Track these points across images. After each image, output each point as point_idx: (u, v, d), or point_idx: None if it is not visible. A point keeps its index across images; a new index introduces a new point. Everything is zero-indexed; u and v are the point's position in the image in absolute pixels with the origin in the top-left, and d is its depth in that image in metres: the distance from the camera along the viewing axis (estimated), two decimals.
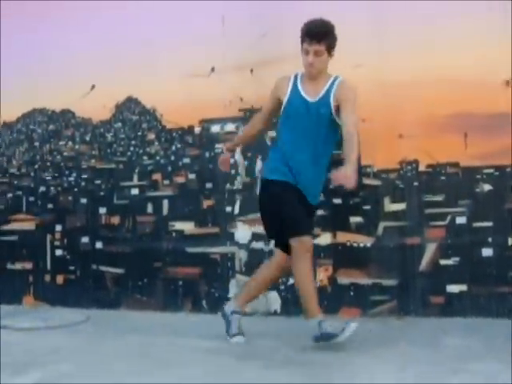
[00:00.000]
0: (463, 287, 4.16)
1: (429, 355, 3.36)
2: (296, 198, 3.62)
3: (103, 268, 4.89)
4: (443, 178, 4.22)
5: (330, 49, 3.62)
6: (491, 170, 4.14)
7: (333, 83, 3.66)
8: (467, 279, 4.15)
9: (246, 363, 3.33)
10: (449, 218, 4.19)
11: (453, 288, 4.17)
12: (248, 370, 3.22)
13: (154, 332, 4.11)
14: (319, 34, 3.56)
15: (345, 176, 3.34)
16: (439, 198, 4.21)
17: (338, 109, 3.60)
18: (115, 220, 4.88)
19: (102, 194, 4.93)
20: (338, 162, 3.56)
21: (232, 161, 4.54)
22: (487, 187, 4.15)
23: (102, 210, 4.92)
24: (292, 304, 4.41)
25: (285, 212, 3.60)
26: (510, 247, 4.10)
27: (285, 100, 3.69)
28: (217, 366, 3.31)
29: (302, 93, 3.67)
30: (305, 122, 3.62)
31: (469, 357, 3.29)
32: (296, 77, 3.73)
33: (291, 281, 4.44)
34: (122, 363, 3.41)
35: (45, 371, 3.26)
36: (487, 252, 4.13)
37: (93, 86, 4.89)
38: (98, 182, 4.93)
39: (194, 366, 3.32)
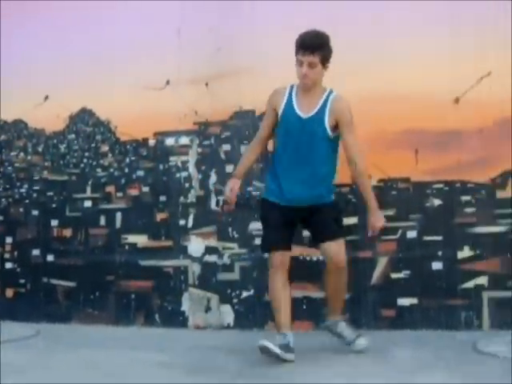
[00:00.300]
0: (414, 300, 4.22)
1: (379, 367, 3.41)
2: (276, 218, 3.65)
3: (54, 281, 4.81)
4: (394, 192, 4.29)
5: (325, 61, 3.59)
6: (441, 186, 4.23)
7: (327, 98, 3.64)
8: (418, 292, 4.22)
9: (197, 377, 3.32)
10: (400, 232, 4.26)
11: (403, 301, 4.23)
12: (196, 383, 3.22)
13: (105, 346, 4.07)
14: (313, 46, 3.54)
15: (379, 223, 3.63)
16: (390, 212, 4.27)
17: (333, 125, 3.61)
18: (67, 232, 4.82)
19: (54, 205, 4.86)
20: None
21: (185, 173, 4.59)
22: (437, 202, 4.24)
23: (54, 223, 4.84)
24: (245, 317, 4.42)
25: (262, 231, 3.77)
26: (459, 261, 4.18)
27: (279, 113, 3.66)
28: (167, 380, 3.29)
29: (296, 107, 3.63)
30: (298, 139, 3.59)
31: (417, 368, 3.34)
32: (292, 88, 3.69)
33: (244, 294, 4.46)
34: (72, 377, 3.37)
35: None
36: (437, 265, 4.21)
37: (46, 97, 4.84)
38: (50, 193, 4.86)
39: (145, 380, 3.30)
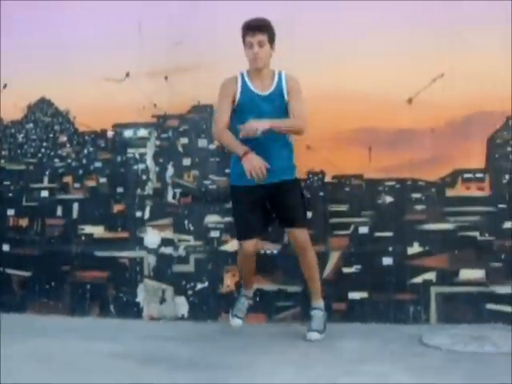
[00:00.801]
0: (364, 294, 4.31)
1: (327, 357, 3.50)
2: (247, 204, 3.80)
3: (10, 271, 4.79)
4: (348, 189, 4.37)
5: (271, 40, 3.81)
6: (393, 183, 4.33)
7: (280, 76, 3.87)
8: (368, 287, 4.31)
9: (149, 367, 3.37)
10: (352, 227, 4.35)
11: (354, 295, 4.32)
12: (149, 372, 3.27)
13: (60, 336, 4.08)
14: (260, 25, 3.79)
15: (250, 125, 3.61)
16: (343, 208, 4.37)
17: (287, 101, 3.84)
18: (23, 222, 4.80)
19: (10, 195, 4.84)
20: None
21: (142, 166, 4.62)
22: (389, 199, 4.34)
23: (11, 212, 4.82)
24: (199, 309, 4.48)
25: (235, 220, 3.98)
26: (408, 256, 4.28)
27: (238, 97, 3.81)
28: (120, 368, 3.35)
29: (252, 88, 3.82)
30: (260, 115, 3.73)
31: (363, 359, 3.45)
32: (242, 74, 3.87)
33: (199, 286, 4.52)
34: (25, 367, 3.40)
35: None
36: (387, 261, 4.30)
37: (5, 85, 4.82)
38: (7, 183, 4.84)
39: (98, 369, 3.34)
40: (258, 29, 3.76)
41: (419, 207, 4.30)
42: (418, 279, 4.27)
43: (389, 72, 4.27)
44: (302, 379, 3.11)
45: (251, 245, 3.82)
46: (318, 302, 3.97)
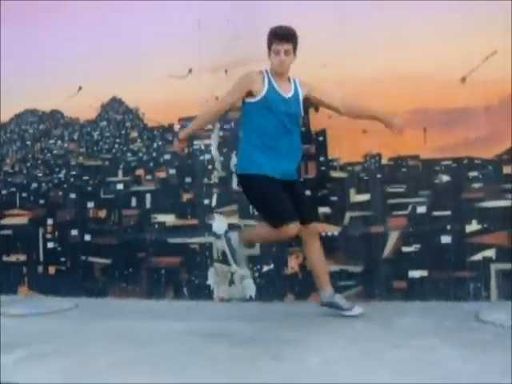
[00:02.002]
0: (424, 273, 4.40)
1: (379, 333, 3.65)
2: (280, 191, 3.93)
3: (91, 259, 5.19)
4: (404, 170, 4.47)
5: (295, 49, 4.01)
6: (449, 162, 4.39)
7: (295, 82, 4.10)
8: (427, 265, 4.40)
9: (211, 342, 3.62)
10: (410, 207, 4.44)
11: (414, 273, 4.42)
12: (210, 347, 3.52)
13: (137, 317, 4.40)
14: (288, 35, 3.97)
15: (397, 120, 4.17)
16: (401, 189, 4.47)
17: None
18: (102, 213, 5.18)
19: (89, 189, 5.23)
20: None
21: (208, 156, 4.87)
22: (445, 178, 4.40)
23: (90, 205, 5.21)
24: (265, 290, 4.70)
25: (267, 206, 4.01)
26: (467, 234, 4.34)
27: (262, 94, 3.98)
28: (184, 344, 3.62)
29: (277, 88, 4.01)
30: (282, 117, 3.96)
31: (415, 334, 3.56)
32: (267, 73, 4.05)
33: (265, 268, 4.73)
34: (100, 343, 3.73)
35: (28, 351, 3.58)
36: (446, 239, 4.37)
37: (80, 88, 5.18)
38: (85, 178, 5.23)
39: (165, 344, 3.63)
40: (285, 38, 3.94)
41: (476, 185, 4.34)
42: (478, 256, 4.31)
43: (441, 52, 4.33)
44: (351, 353, 3.27)
45: (295, 227, 3.89)
46: (332, 289, 4.16)
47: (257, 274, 4.75)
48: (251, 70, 4.07)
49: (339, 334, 3.66)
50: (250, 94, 4.00)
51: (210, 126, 4.84)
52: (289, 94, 4.04)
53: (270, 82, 4.01)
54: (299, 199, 4.06)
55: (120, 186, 5.13)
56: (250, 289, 4.76)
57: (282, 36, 3.96)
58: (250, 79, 4.01)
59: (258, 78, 4.01)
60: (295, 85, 4.09)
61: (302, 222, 3.97)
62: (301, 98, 4.09)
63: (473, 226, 4.34)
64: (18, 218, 5.41)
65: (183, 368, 3.20)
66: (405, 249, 4.45)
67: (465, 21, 4.31)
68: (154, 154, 5.05)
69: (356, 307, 4.07)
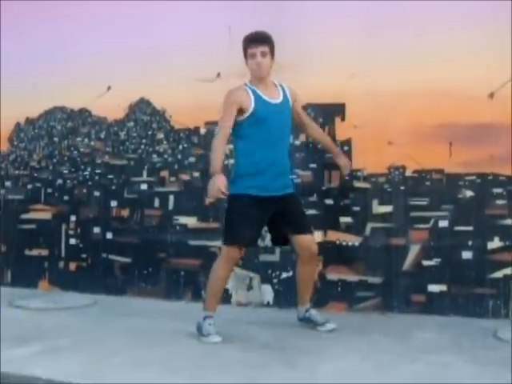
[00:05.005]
0: (443, 287, 4.37)
1: (395, 346, 3.63)
2: (254, 215, 3.86)
3: (112, 257, 5.24)
4: (428, 183, 4.45)
5: (272, 52, 3.98)
6: (473, 178, 4.36)
7: (282, 87, 4.05)
8: (447, 280, 4.37)
9: (224, 346, 3.65)
10: (432, 221, 4.42)
11: (433, 287, 4.39)
12: (222, 351, 3.55)
13: (153, 317, 4.44)
14: (263, 37, 3.98)
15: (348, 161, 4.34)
16: (424, 202, 4.45)
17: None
18: (125, 213, 5.23)
19: (113, 188, 5.28)
20: None
21: (231, 161, 4.87)
22: (469, 193, 4.37)
23: (114, 203, 5.27)
24: (283, 297, 4.70)
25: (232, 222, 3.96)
26: (488, 251, 4.30)
27: (251, 108, 3.88)
28: (195, 346, 3.67)
29: (264, 97, 3.94)
30: (273, 125, 3.89)
31: (431, 349, 3.54)
32: (247, 86, 3.96)
33: (284, 275, 4.74)
34: (116, 340, 3.77)
35: (44, 344, 3.64)
36: (467, 255, 4.34)
37: (109, 87, 5.24)
38: (110, 176, 5.29)
39: (176, 345, 3.67)
40: (259, 40, 3.92)
41: (500, 202, 4.30)
42: (498, 274, 4.27)
43: (470, 67, 4.29)
44: (364, 365, 3.26)
45: (240, 252, 3.92)
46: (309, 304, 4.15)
47: (275, 280, 4.75)
48: (229, 89, 3.99)
49: (355, 345, 3.65)
50: (239, 111, 3.90)
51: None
52: (277, 100, 3.96)
53: (254, 91, 3.91)
54: (295, 210, 4.01)
55: (144, 187, 5.18)
56: (268, 294, 4.77)
57: (256, 38, 3.93)
58: (237, 94, 3.91)
59: (243, 93, 3.91)
60: (283, 90, 4.02)
61: (297, 233, 3.98)
62: (290, 103, 4.03)
63: (495, 243, 4.30)
64: (42, 213, 5.49)
65: (196, 370, 3.22)
66: (425, 262, 4.42)
67: (494, 37, 4.26)
68: (179, 157, 5.08)
69: (329, 323, 4.05)
